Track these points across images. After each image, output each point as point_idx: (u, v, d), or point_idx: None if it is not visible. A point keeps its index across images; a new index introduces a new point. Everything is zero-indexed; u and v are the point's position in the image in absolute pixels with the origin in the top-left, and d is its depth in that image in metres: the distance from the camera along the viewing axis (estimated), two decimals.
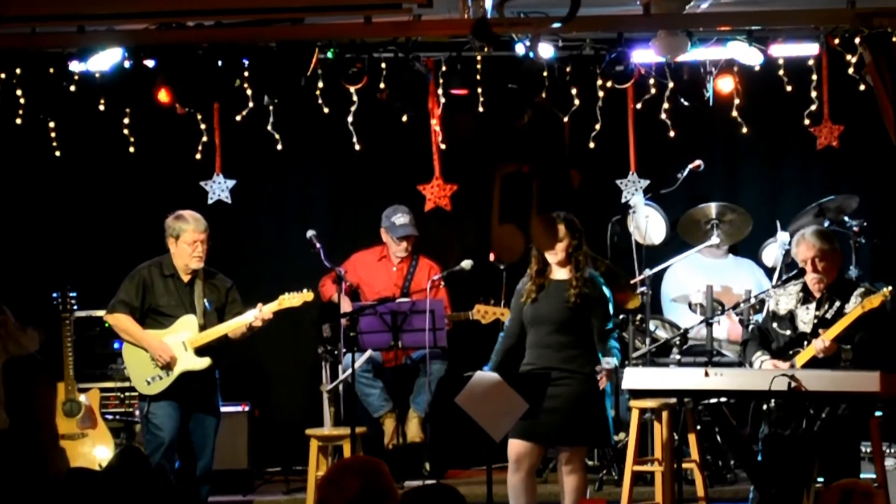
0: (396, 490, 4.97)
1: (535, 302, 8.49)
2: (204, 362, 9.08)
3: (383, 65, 9.58)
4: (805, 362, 8.18)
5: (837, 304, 8.28)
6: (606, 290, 8.50)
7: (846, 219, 10.26)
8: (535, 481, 8.59)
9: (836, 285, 8.34)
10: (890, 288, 8.16)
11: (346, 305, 9.93)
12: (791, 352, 8.31)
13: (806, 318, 8.35)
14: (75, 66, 9.44)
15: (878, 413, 8.13)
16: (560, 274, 8.50)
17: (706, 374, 8.09)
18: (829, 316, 8.25)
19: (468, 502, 5.10)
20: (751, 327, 8.95)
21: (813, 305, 8.34)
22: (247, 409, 10.44)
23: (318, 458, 9.35)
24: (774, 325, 8.46)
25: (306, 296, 9.32)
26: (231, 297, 9.26)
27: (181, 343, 9.04)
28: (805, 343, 8.26)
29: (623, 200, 10.46)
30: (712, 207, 10.42)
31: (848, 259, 9.87)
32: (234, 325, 9.13)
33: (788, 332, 8.39)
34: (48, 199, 10.99)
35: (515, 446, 8.37)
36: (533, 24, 8.77)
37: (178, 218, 9.15)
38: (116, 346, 10.08)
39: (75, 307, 9.84)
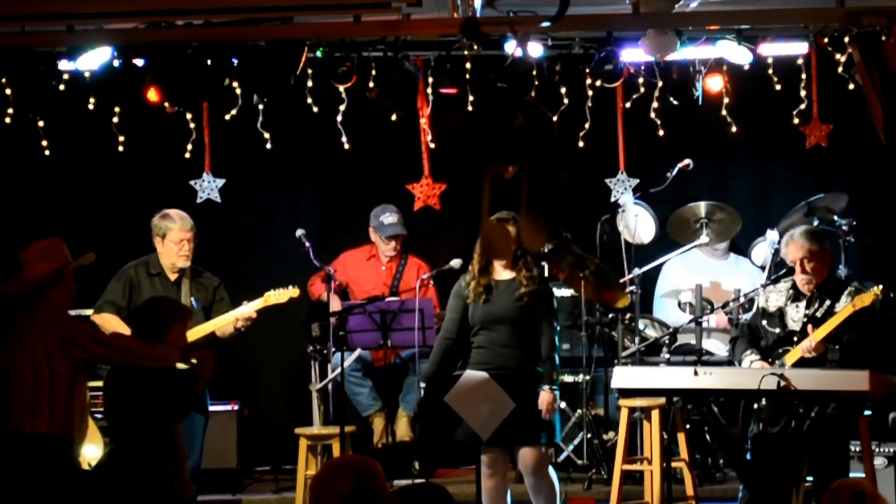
0: (388, 489, 4.97)
1: (487, 302, 8.51)
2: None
3: (373, 64, 9.58)
4: (795, 361, 8.18)
5: (828, 302, 8.26)
6: (550, 286, 8.63)
7: (835, 218, 10.27)
8: (507, 485, 8.58)
9: (826, 284, 8.32)
10: (881, 287, 8.16)
11: (335, 304, 9.95)
12: (780, 349, 8.31)
13: (796, 316, 8.34)
14: (65, 65, 9.42)
15: (867, 412, 8.15)
16: (505, 274, 8.54)
17: (695, 374, 8.09)
18: (819, 314, 8.24)
19: (457, 501, 5.09)
20: (740, 324, 8.94)
21: (803, 304, 8.33)
22: (236, 408, 10.41)
23: (307, 458, 9.36)
24: (764, 322, 8.45)
25: (292, 292, 9.32)
26: (218, 296, 9.25)
27: None
28: (794, 341, 8.25)
29: (612, 199, 10.46)
30: (701, 206, 10.41)
31: (837, 258, 9.88)
32: (220, 323, 9.11)
33: (777, 330, 8.38)
34: (37, 198, 10.96)
35: (485, 452, 8.33)
36: (522, 23, 8.77)
37: (164, 217, 9.15)
38: None
39: None
